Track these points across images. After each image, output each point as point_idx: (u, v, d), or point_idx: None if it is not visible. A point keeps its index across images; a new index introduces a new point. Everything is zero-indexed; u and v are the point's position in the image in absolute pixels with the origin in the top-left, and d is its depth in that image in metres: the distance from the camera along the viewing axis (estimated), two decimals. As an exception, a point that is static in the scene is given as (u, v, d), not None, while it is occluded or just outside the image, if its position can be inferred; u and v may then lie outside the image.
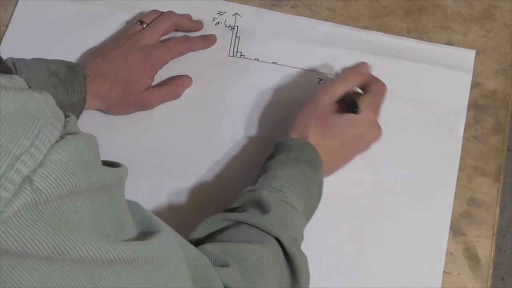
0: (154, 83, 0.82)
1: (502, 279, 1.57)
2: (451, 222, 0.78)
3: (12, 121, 0.37)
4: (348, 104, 0.74)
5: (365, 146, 0.77)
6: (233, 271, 0.59)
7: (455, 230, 0.78)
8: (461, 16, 0.88)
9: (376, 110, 0.75)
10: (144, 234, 0.48)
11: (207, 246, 0.62)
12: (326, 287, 0.75)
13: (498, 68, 0.85)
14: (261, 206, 0.66)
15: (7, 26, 0.86)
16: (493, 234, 0.78)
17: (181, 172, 0.80)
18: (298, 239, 0.67)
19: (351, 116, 0.73)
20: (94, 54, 0.81)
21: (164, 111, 0.83)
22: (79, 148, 0.40)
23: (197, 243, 0.63)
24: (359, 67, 0.77)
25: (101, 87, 0.78)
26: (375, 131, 0.75)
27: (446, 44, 0.87)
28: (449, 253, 0.77)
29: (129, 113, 0.82)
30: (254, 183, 0.70)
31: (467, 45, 0.87)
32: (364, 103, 0.73)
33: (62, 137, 0.40)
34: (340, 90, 0.75)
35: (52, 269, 0.39)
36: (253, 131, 0.82)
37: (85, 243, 0.40)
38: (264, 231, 0.64)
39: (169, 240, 0.49)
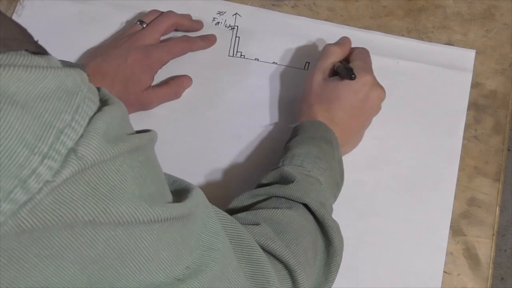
0: (154, 83, 0.82)
1: (502, 279, 1.57)
2: (451, 222, 0.78)
3: (54, 98, 0.40)
4: (342, 74, 0.76)
5: (375, 109, 0.78)
6: (265, 229, 0.62)
7: (455, 230, 0.78)
8: (461, 16, 0.88)
9: (369, 71, 0.77)
10: (179, 194, 0.51)
11: (238, 214, 0.65)
12: (326, 287, 0.75)
13: (498, 68, 0.85)
14: (285, 180, 0.69)
15: (7, 26, 0.86)
16: (493, 234, 0.78)
17: (181, 172, 0.80)
18: (326, 204, 0.68)
19: (348, 82, 0.74)
20: (94, 54, 0.81)
21: (164, 111, 0.83)
22: (115, 117, 0.43)
23: None
24: (339, 40, 0.80)
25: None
26: (378, 91, 0.76)
27: (446, 44, 0.87)
28: (449, 253, 0.77)
29: (129, 113, 0.81)
30: (275, 165, 0.72)
31: (467, 45, 0.86)
32: (355, 68, 0.75)
33: (99, 108, 0.42)
34: (327, 63, 0.78)
35: (98, 234, 0.41)
36: (253, 131, 0.82)
37: (124, 202, 0.42)
38: (291, 199, 0.67)
39: (200, 198, 0.52)
